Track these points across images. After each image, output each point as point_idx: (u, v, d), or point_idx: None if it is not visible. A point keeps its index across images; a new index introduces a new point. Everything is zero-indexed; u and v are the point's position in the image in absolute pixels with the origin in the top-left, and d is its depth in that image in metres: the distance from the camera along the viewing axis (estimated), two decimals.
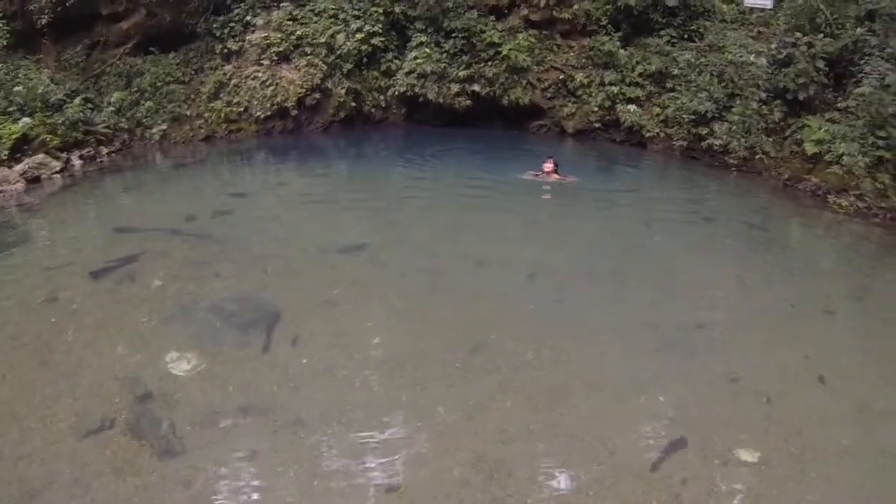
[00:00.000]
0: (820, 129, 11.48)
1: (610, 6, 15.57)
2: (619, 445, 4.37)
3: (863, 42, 11.73)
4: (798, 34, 12.57)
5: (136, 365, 5.33)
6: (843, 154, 10.61)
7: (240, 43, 15.19)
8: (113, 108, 13.99)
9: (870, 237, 9.53)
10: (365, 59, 15.26)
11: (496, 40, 15.20)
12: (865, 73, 11.05)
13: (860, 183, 10.44)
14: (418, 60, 15.07)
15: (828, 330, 6.49)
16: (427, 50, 15.17)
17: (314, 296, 6.61)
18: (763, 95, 12.65)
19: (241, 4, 15.34)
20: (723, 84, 13.39)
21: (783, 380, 5.34)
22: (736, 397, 5.04)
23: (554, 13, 15.64)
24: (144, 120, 14.39)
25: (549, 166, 11.22)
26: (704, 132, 13.28)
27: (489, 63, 15.29)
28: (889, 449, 4.50)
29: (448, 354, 5.46)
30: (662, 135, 14.26)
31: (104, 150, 13.23)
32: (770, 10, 14.81)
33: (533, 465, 4.20)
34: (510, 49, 14.98)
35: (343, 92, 15.03)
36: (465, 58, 15.45)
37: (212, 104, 14.82)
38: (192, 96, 15.11)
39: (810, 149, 11.41)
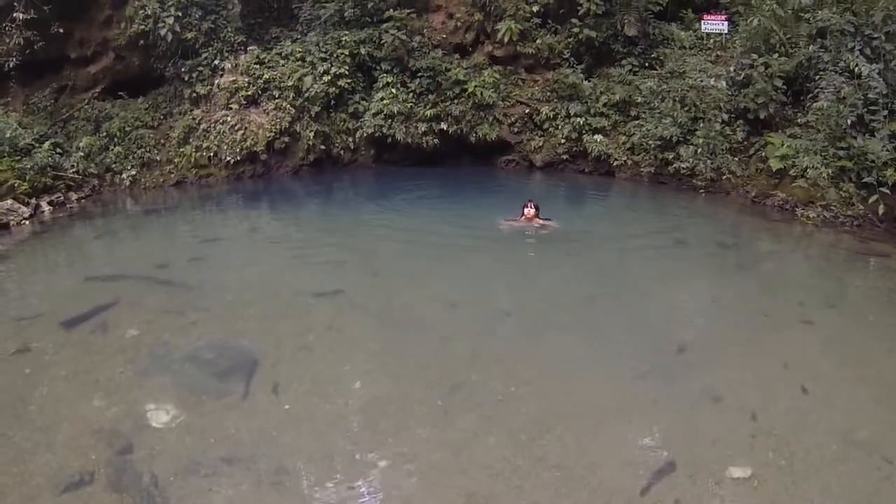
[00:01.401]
0: (783, 145, 11.77)
1: (572, 39, 15.93)
2: (607, 473, 4.33)
3: (816, 59, 12.12)
4: (754, 55, 12.96)
5: (114, 417, 5.18)
6: (806, 167, 10.91)
7: (208, 87, 15.26)
8: (82, 154, 13.94)
9: (839, 245, 9.75)
10: (332, 102, 15.40)
11: (461, 78, 15.44)
12: (821, 88, 11.44)
13: (825, 194, 10.73)
14: (385, 101, 15.23)
15: (805, 339, 6.56)
16: (393, 90, 15.36)
17: (291, 342, 6.51)
18: (725, 117, 12.97)
19: (209, 48, 15.44)
20: (685, 108, 13.69)
21: (766, 393, 5.35)
22: (721, 415, 5.03)
23: (518, 48, 15.95)
24: (114, 165, 14.38)
25: (530, 211, 10.29)
26: (671, 157, 13.53)
27: (455, 101, 15.50)
28: (877, 450, 4.53)
29: (428, 395, 5.39)
30: (630, 162, 14.50)
31: (74, 196, 13.14)
32: (726, 34, 15.23)
33: (522, 499, 4.12)
34: (475, 86, 15.22)
35: (312, 135, 15.11)
36: (431, 97, 15.64)
37: (181, 149, 14.84)
38: (162, 141, 15.14)
39: (775, 165, 11.68)
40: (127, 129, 14.83)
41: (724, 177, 12.67)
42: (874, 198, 10.15)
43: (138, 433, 4.93)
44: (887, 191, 10.13)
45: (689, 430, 4.83)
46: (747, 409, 5.06)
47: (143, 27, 14.82)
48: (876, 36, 11.49)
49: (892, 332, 6.77)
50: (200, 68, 15.37)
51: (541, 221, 10.35)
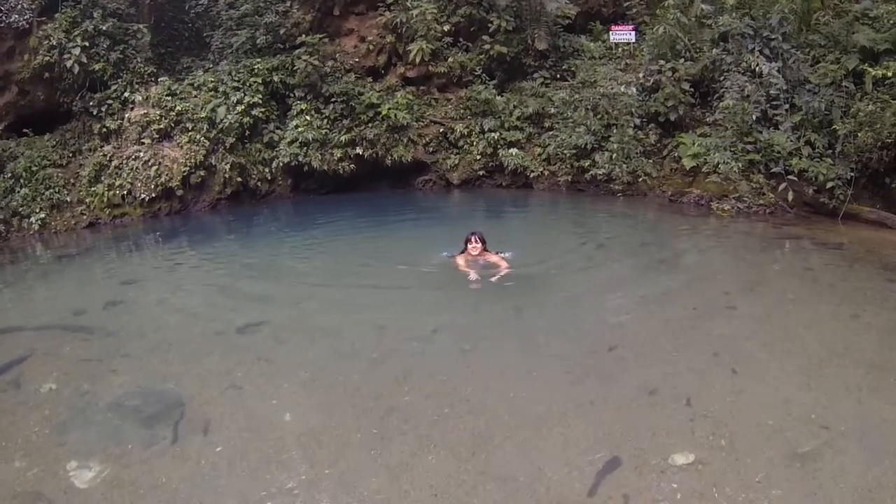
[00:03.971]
0: (694, 144, 12.26)
1: (483, 56, 16.21)
2: (553, 478, 4.28)
3: (720, 61, 12.75)
4: (662, 62, 13.50)
5: (35, 478, 4.80)
6: (718, 163, 11.42)
7: (118, 121, 14.75)
8: None
9: (754, 233, 10.20)
10: (247, 132, 15.16)
11: (375, 101, 15.46)
12: (726, 88, 12.03)
13: (737, 186, 11.27)
14: (300, 129, 15.11)
15: (731, 324, 6.77)
16: (308, 117, 15.27)
17: (219, 380, 6.22)
18: (637, 121, 13.42)
19: (118, 80, 14.93)
20: (598, 116, 14.08)
21: (699, 380, 5.45)
22: (658, 407, 5.06)
23: (430, 68, 16.15)
24: (21, 209, 13.66)
25: (475, 247, 8.70)
26: (587, 164, 13.88)
27: (369, 124, 15.47)
28: (812, 418, 4.69)
29: (363, 421, 5.22)
30: (546, 173, 14.77)
31: None
32: (634, 43, 15.79)
33: None
34: (389, 108, 15.25)
35: (227, 167, 14.80)
36: (345, 122, 15.58)
37: (93, 188, 14.23)
38: (72, 181, 14.51)
39: (688, 163, 12.15)
40: (34, 168, 14.16)
41: (641, 179, 13.07)
42: (783, 186, 10.75)
43: (63, 493, 4.59)
44: (794, 178, 10.74)
45: (628, 425, 4.84)
46: (682, 397, 5.13)
47: (48, 59, 14.30)
48: (773, 37, 12.18)
49: (810, 307, 7.15)
50: (110, 101, 14.86)
51: (491, 258, 8.80)
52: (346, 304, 8.42)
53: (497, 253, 8.91)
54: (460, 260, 8.87)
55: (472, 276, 8.49)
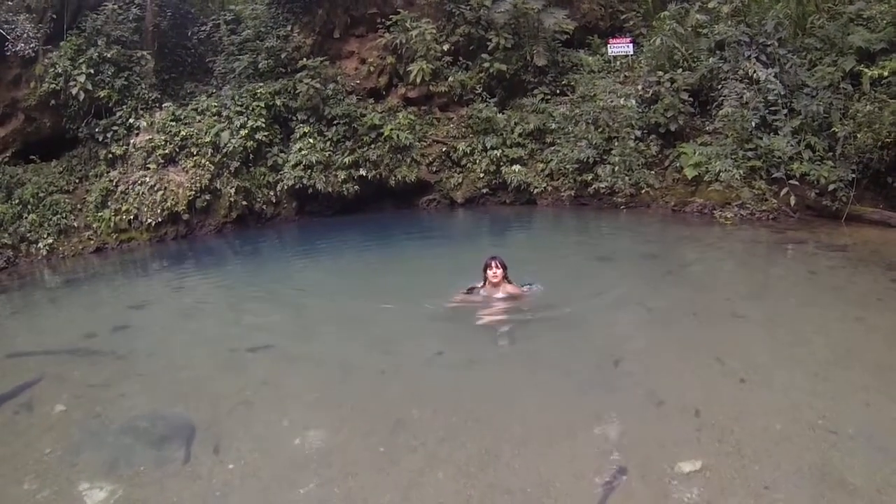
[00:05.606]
0: (695, 153, 12.32)
1: (483, 74, 16.32)
2: (561, 490, 4.28)
3: (717, 69, 12.84)
4: (660, 72, 13.60)
5: (46, 501, 4.83)
6: (719, 171, 11.47)
7: (124, 147, 14.89)
8: None
9: (758, 239, 10.23)
10: (251, 156, 15.29)
11: (377, 122, 15.55)
12: (725, 96, 12.10)
13: (740, 193, 11.32)
14: (303, 151, 15.20)
15: (737, 332, 6.76)
16: (311, 140, 15.36)
17: (228, 401, 6.23)
18: (638, 133, 13.49)
19: (123, 107, 15.09)
20: (599, 129, 14.15)
21: (706, 389, 5.45)
22: (664, 417, 5.06)
23: (430, 88, 16.26)
24: (29, 234, 13.77)
25: (496, 272, 7.63)
26: (589, 178, 13.94)
27: (372, 146, 15.55)
28: (820, 423, 4.67)
29: (371, 439, 5.23)
30: (550, 188, 14.83)
31: None
32: (632, 55, 15.88)
33: None
34: (391, 129, 15.31)
35: (232, 191, 14.89)
36: (348, 143, 15.67)
37: (100, 213, 14.35)
38: (79, 206, 14.64)
39: (690, 173, 12.19)
40: (41, 194, 14.32)
41: (643, 190, 13.11)
42: (785, 191, 10.81)
43: None
44: (796, 182, 10.79)
45: (635, 435, 4.85)
46: (690, 406, 5.12)
47: (53, 86, 14.51)
48: (769, 43, 12.27)
49: (816, 311, 7.16)
50: (115, 127, 15.03)
51: (513, 290, 7.82)
52: (353, 327, 8.42)
53: (528, 285, 8.07)
54: (473, 290, 7.99)
55: (487, 316, 7.69)
